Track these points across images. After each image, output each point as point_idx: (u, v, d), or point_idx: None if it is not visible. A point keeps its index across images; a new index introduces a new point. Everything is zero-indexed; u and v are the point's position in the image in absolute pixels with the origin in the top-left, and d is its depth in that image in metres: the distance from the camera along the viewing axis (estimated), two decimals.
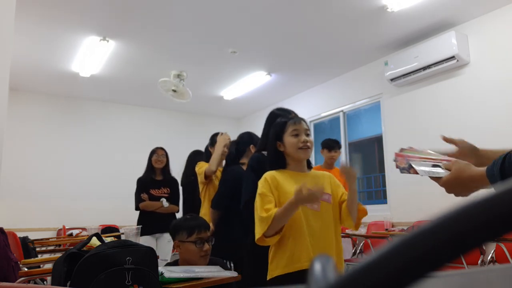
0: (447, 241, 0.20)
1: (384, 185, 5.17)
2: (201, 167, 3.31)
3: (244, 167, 2.97)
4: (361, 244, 4.66)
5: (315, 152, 4.84)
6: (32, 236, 4.23)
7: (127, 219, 4.56)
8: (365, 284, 0.20)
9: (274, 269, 1.77)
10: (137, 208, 4.11)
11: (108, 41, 4.57)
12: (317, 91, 6.25)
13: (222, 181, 2.99)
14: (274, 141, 1.92)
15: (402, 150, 1.29)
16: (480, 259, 3.58)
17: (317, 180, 1.86)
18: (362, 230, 4.87)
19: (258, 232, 1.72)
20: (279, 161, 1.90)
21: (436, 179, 1.13)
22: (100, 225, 4.64)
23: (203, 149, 3.81)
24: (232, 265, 2.63)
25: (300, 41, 4.70)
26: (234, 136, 3.22)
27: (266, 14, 4.08)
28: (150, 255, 1.56)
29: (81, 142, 6.43)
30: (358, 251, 4.66)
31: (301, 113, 2.35)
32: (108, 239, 1.75)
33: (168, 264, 2.02)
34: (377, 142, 5.58)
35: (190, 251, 1.94)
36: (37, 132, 6.14)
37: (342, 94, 5.83)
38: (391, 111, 5.10)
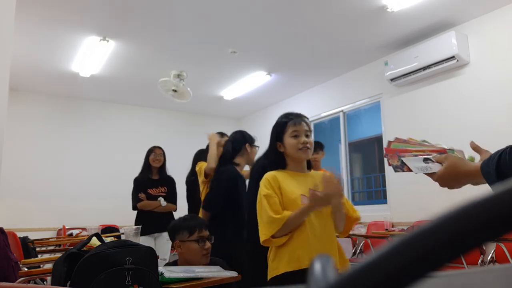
0: (447, 241, 0.20)
1: (384, 185, 5.16)
2: (200, 167, 3.32)
3: (238, 168, 2.99)
4: (361, 244, 4.66)
5: None
6: (32, 236, 4.24)
7: (127, 219, 4.55)
8: (365, 284, 0.20)
9: (275, 268, 1.77)
10: (134, 208, 4.08)
11: (108, 41, 4.57)
12: (317, 91, 6.25)
13: (216, 181, 2.99)
14: (274, 142, 1.92)
15: (390, 143, 1.27)
16: (480, 259, 3.58)
17: (317, 180, 1.86)
18: (362, 230, 4.88)
19: (266, 233, 1.72)
20: (279, 162, 1.91)
21: (430, 174, 1.14)
22: (100, 225, 4.65)
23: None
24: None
25: (300, 41, 4.70)
26: None
27: (266, 14, 4.08)
28: (150, 255, 1.56)
29: (81, 142, 6.43)
30: (358, 251, 4.66)
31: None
32: (108, 239, 1.75)
33: (168, 265, 2.03)
34: (377, 142, 5.58)
35: (192, 250, 1.94)
36: (37, 132, 6.14)
37: (342, 94, 5.83)
38: (391, 111, 5.10)
